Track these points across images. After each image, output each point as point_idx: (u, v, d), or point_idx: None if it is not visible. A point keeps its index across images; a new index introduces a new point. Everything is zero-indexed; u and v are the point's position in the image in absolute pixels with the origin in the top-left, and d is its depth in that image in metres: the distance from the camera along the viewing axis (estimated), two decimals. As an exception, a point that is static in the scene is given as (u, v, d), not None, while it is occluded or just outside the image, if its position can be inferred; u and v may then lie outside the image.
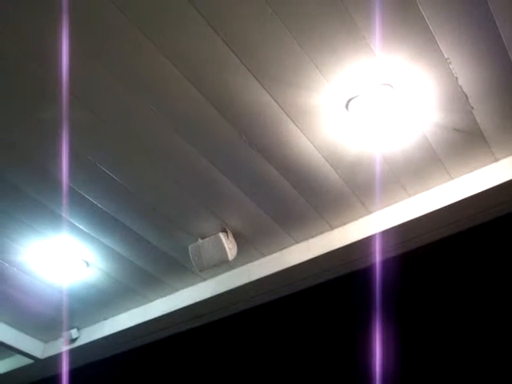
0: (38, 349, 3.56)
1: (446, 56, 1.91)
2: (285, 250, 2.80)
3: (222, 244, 2.61)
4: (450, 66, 1.95)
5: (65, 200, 2.45)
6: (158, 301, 3.15)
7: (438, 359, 2.37)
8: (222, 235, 2.62)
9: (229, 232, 2.66)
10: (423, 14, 1.77)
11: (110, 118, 2.11)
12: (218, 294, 2.93)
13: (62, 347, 3.44)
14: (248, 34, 1.83)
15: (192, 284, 3.04)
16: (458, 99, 2.06)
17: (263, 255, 2.85)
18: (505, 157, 2.32)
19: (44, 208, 2.49)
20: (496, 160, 2.34)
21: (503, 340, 2.24)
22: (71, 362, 3.49)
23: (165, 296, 3.13)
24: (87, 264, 2.86)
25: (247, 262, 2.88)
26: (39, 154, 2.23)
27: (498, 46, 1.89)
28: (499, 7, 1.77)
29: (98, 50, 1.85)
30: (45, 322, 3.36)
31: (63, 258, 2.79)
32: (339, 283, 2.82)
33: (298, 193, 2.47)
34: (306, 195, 2.48)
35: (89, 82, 1.97)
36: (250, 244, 2.76)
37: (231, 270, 2.93)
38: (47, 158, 2.25)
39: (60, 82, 1.93)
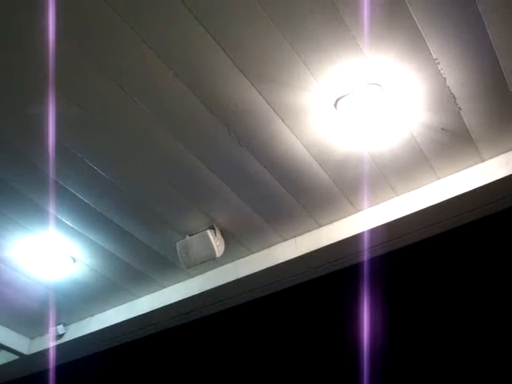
0: (24, 345, 3.53)
1: (434, 56, 1.92)
2: (272, 248, 2.80)
3: (210, 241, 2.61)
4: (439, 67, 1.96)
5: (52, 196, 2.43)
6: (144, 297, 3.15)
7: (426, 355, 2.40)
8: (209, 232, 2.62)
9: (216, 229, 2.66)
10: (412, 14, 1.78)
11: (99, 114, 2.10)
12: (205, 291, 2.93)
13: (49, 343, 3.43)
14: (238, 32, 1.82)
15: (179, 281, 3.03)
16: (446, 99, 2.08)
17: (251, 252, 2.85)
18: (491, 157, 2.34)
19: (31, 204, 2.47)
20: (482, 160, 2.36)
21: (490, 336, 2.27)
22: (57, 358, 3.48)
23: (152, 292, 3.12)
24: (74, 260, 2.84)
25: (235, 259, 2.89)
26: (27, 150, 2.22)
27: (486, 48, 1.91)
28: (488, 9, 1.79)
29: (86, 45, 1.84)
30: (31, 318, 3.34)
31: (50, 253, 2.77)
32: (327, 281, 2.83)
33: (286, 191, 2.47)
34: (294, 193, 2.49)
35: (77, 78, 1.95)
36: (237, 241, 2.76)
37: (219, 266, 2.94)
38: (35, 154, 2.23)
39: (47, 78, 1.91)
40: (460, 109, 2.12)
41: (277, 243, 2.80)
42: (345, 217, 2.63)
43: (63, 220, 2.59)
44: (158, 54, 1.88)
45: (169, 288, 3.08)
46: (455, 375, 2.30)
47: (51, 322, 3.36)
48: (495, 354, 2.24)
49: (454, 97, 2.07)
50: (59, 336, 3.39)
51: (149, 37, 1.83)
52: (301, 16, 1.78)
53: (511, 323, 2.25)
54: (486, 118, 2.17)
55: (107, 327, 3.25)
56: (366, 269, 2.66)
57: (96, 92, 2.01)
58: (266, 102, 2.06)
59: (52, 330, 3.39)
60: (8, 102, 2.02)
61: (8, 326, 3.44)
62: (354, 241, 2.60)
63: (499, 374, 2.20)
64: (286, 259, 2.73)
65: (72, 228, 2.64)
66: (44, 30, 1.76)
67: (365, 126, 2.17)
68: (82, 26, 1.79)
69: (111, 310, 3.25)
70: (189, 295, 2.97)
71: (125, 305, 3.20)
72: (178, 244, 2.70)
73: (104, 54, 1.88)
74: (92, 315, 3.33)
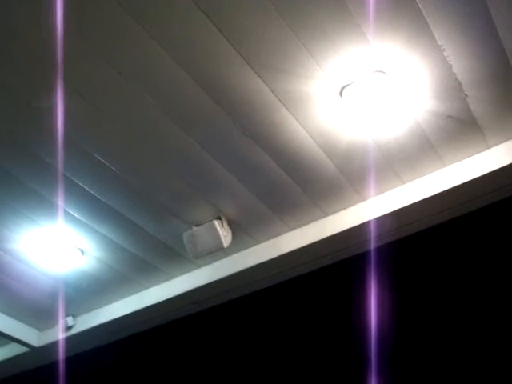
0: (33, 337, 3.56)
1: (439, 43, 1.91)
2: (279, 237, 2.80)
3: (217, 231, 2.62)
4: (444, 54, 1.95)
5: (60, 189, 2.44)
6: (153, 288, 3.16)
7: (434, 344, 2.40)
8: (216, 222, 2.63)
9: (223, 219, 2.67)
10: (417, 1, 1.77)
11: (106, 107, 2.10)
12: (213, 281, 2.94)
13: (58, 335, 3.44)
14: (242, 20, 1.82)
15: (187, 271, 3.04)
16: (452, 86, 2.07)
17: (258, 242, 2.86)
18: (497, 144, 2.34)
19: (39, 197, 2.49)
20: (489, 147, 2.35)
21: (500, 323, 2.27)
22: (67, 350, 3.50)
23: (160, 283, 3.13)
24: (82, 252, 2.86)
25: (242, 249, 2.89)
26: (35, 143, 2.23)
27: (491, 34, 1.90)
28: (493, -6, 1.78)
29: (93, 39, 1.85)
30: (40, 310, 3.36)
31: (58, 246, 2.79)
32: (333, 270, 2.84)
33: (292, 180, 2.47)
34: (300, 182, 2.49)
35: (85, 71, 1.96)
36: (244, 231, 2.77)
37: (226, 257, 2.94)
38: (43, 147, 2.24)
39: (56, 72, 1.92)
40: (466, 96, 2.11)
41: (283, 233, 2.80)
42: (351, 206, 2.63)
43: (71, 212, 2.60)
44: (163, 46, 1.88)
45: (177, 278, 3.08)
46: (463, 364, 2.30)
47: (60, 313, 3.37)
48: (504, 342, 2.24)
49: (460, 83, 2.06)
50: (68, 328, 3.41)
51: (154, 29, 1.83)
52: (305, 4, 1.77)
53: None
54: (493, 104, 2.16)
55: (116, 318, 3.27)
56: (372, 257, 2.66)
57: (103, 85, 2.02)
58: (271, 91, 2.06)
59: (61, 322, 3.41)
60: (16, 95, 2.03)
61: (17, 319, 3.46)
62: (360, 230, 2.60)
63: (506, 364, 2.20)
64: (293, 249, 2.74)
65: (80, 220, 2.66)
66: (52, 23, 1.76)
67: (370, 114, 2.16)
68: (89, 20, 1.79)
69: (120, 302, 3.27)
70: (197, 285, 2.98)
71: (133, 296, 3.21)
72: (185, 235, 2.70)
73: (110, 48, 1.88)
74: (101, 307, 3.34)
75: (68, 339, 3.45)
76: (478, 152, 2.37)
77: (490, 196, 2.45)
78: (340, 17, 1.81)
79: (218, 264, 2.96)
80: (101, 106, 2.10)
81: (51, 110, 2.06)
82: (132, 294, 3.22)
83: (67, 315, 3.39)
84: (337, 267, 2.83)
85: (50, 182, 2.42)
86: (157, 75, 1.99)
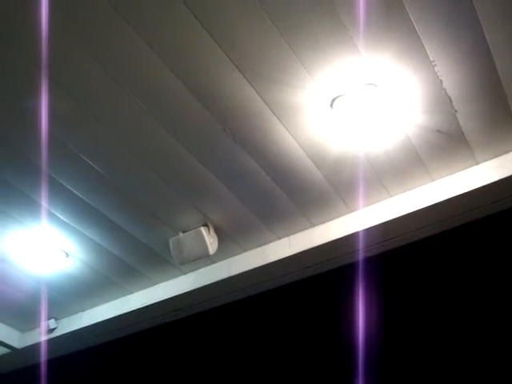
0: (15, 338, 3.53)
1: (431, 58, 1.92)
2: (266, 246, 2.80)
3: (203, 238, 2.61)
4: (435, 69, 1.96)
5: (46, 190, 2.42)
6: (137, 293, 3.14)
7: (420, 355, 2.40)
8: (203, 229, 2.62)
9: (210, 226, 2.66)
10: (410, 16, 1.78)
11: (94, 108, 2.09)
12: (197, 288, 2.93)
13: (40, 337, 3.42)
14: (235, 29, 1.82)
15: (172, 277, 3.03)
16: (442, 102, 2.08)
17: (244, 250, 2.85)
18: (485, 160, 2.35)
19: (25, 197, 2.46)
20: (477, 163, 2.36)
21: (483, 335, 2.28)
22: (49, 353, 3.48)
23: (144, 288, 3.12)
24: (67, 254, 2.83)
25: (228, 257, 2.89)
26: (20, 143, 2.20)
27: (483, 51, 1.91)
28: (486, 12, 1.78)
29: (81, 38, 1.83)
30: (23, 312, 3.33)
31: (43, 247, 2.76)
32: (320, 280, 2.84)
33: (281, 189, 2.47)
34: (289, 192, 2.49)
35: (72, 72, 1.94)
36: (231, 239, 2.76)
37: (212, 264, 2.93)
38: (28, 147, 2.21)
39: (42, 71, 1.90)
40: (456, 111, 2.12)
41: (270, 242, 2.79)
42: (339, 216, 2.63)
43: (57, 214, 2.58)
44: (154, 49, 1.87)
45: (161, 284, 3.07)
46: (448, 375, 2.30)
47: (43, 316, 3.35)
48: (487, 353, 2.25)
49: (450, 99, 2.07)
50: (50, 330, 3.39)
51: (145, 32, 1.81)
52: (299, 14, 1.77)
53: (502, 324, 2.25)
54: (482, 120, 2.17)
55: (99, 322, 3.25)
56: (359, 269, 2.66)
57: (91, 86, 2.00)
58: (262, 99, 2.06)
59: (43, 324, 3.38)
60: (2, 95, 2.01)
61: (-1, 320, 3.43)
62: (347, 241, 2.60)
63: (491, 374, 2.21)
64: (280, 258, 2.73)
65: (65, 222, 2.63)
66: (38, 22, 1.74)
67: (360, 127, 2.16)
68: (77, 20, 1.77)
69: (103, 305, 3.25)
70: (181, 292, 2.96)
71: (117, 300, 3.20)
72: (171, 241, 2.70)
73: (100, 49, 1.87)
74: (84, 310, 3.32)
75: (50, 342, 3.43)
76: (466, 167, 2.38)
77: (478, 211, 2.46)
78: (333, 28, 1.81)
79: (203, 271, 2.94)
80: (89, 107, 2.08)
81: (38, 110, 2.05)
82: (116, 298, 3.20)
83: (50, 318, 3.37)
84: (324, 277, 2.83)
85: (35, 183, 2.39)
86: (148, 80, 1.98)
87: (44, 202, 2.49)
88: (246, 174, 2.39)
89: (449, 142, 2.26)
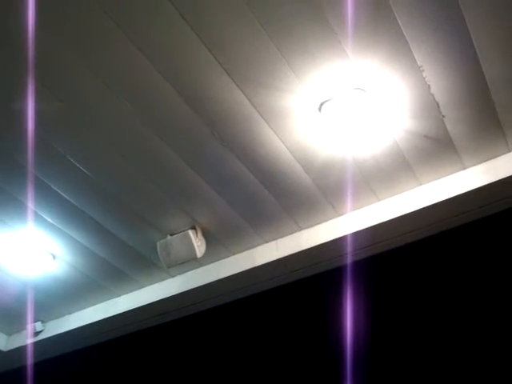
0: (1, 341, 3.50)
1: (419, 64, 1.93)
2: (253, 249, 2.80)
3: (191, 241, 2.60)
4: (423, 74, 1.97)
5: (33, 192, 2.40)
6: (124, 296, 3.13)
7: (408, 359, 2.41)
8: (191, 232, 2.61)
9: (198, 229, 2.65)
10: (398, 21, 1.78)
11: (82, 110, 2.08)
12: (185, 291, 2.91)
13: (26, 340, 3.39)
14: (224, 32, 1.82)
15: (159, 280, 3.02)
16: (430, 107, 2.09)
17: (232, 253, 2.84)
18: (473, 165, 2.36)
19: (11, 199, 2.44)
20: (464, 168, 2.37)
21: (471, 338, 2.29)
22: (35, 355, 3.45)
23: (131, 291, 3.10)
24: (54, 257, 2.82)
25: (216, 260, 2.88)
26: (7, 145, 2.19)
27: (470, 56, 1.92)
28: (474, 18, 1.80)
29: (70, 41, 1.82)
30: (9, 315, 3.30)
31: (29, 250, 2.74)
32: (307, 283, 2.83)
33: (269, 193, 2.47)
34: (276, 195, 2.49)
35: (60, 74, 1.93)
36: (218, 242, 2.75)
37: (199, 267, 2.92)
38: (16, 149, 2.20)
39: (30, 73, 1.89)
40: (443, 116, 2.13)
41: (258, 245, 2.79)
42: (326, 220, 2.63)
43: (43, 216, 2.56)
44: (142, 51, 1.86)
45: (148, 287, 3.06)
46: (435, 378, 2.31)
47: (29, 318, 3.32)
48: (471, 355, 2.26)
49: (437, 104, 2.08)
50: (37, 333, 3.36)
51: (134, 34, 1.81)
52: (288, 18, 1.78)
53: (491, 326, 2.26)
54: (469, 126, 2.18)
55: (86, 325, 3.22)
56: (347, 272, 2.66)
57: (79, 88, 1.99)
58: (251, 103, 2.06)
59: (30, 327, 3.35)
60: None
61: (-15, 322, 3.40)
62: (334, 244, 2.60)
63: (480, 377, 2.21)
64: (267, 261, 2.72)
65: (52, 224, 2.61)
66: (26, 24, 1.74)
67: (349, 131, 2.17)
68: (65, 22, 1.77)
69: (90, 308, 3.23)
70: (168, 295, 2.95)
71: (104, 303, 3.18)
72: (158, 243, 2.69)
73: (88, 50, 1.86)
74: (70, 313, 3.30)
75: (36, 344, 3.40)
76: (454, 172, 2.39)
77: (465, 216, 2.47)
78: (322, 32, 1.82)
79: (190, 274, 2.93)
80: (77, 109, 2.07)
81: (26, 112, 2.03)
82: (102, 301, 3.18)
83: (36, 320, 3.34)
84: (311, 281, 2.83)
85: (23, 185, 2.37)
86: (136, 82, 1.98)
87: (31, 204, 2.48)
88: (234, 177, 2.38)
89: (436, 147, 2.27)
